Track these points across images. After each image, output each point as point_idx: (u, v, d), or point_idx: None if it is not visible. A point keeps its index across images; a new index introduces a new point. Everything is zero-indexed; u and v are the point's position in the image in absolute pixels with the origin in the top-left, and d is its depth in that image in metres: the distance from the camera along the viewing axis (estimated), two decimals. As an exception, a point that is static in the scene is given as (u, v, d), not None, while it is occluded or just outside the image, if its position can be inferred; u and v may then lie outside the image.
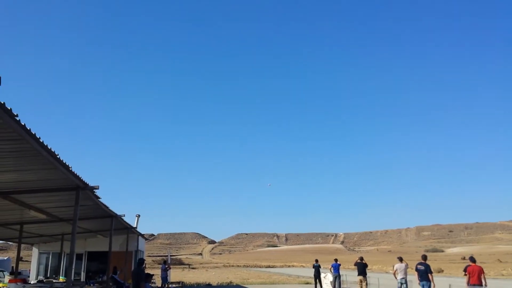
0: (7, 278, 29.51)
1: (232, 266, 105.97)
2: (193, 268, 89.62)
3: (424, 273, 15.24)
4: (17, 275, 24.84)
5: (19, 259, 21.96)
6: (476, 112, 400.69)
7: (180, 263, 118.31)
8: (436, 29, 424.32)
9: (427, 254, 18.40)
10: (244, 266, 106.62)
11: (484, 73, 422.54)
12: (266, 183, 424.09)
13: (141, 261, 13.36)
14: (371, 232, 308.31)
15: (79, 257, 28.37)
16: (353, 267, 31.00)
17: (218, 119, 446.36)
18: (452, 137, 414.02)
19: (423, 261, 15.63)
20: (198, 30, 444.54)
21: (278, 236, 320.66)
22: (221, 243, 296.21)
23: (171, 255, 74.92)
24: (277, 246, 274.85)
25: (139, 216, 33.01)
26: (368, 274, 24.25)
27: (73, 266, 10.48)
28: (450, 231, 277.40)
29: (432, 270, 15.88)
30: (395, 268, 18.68)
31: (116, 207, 16.94)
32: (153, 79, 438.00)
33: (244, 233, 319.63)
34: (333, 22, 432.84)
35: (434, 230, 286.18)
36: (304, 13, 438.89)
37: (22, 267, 39.15)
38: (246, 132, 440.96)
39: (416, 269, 15.65)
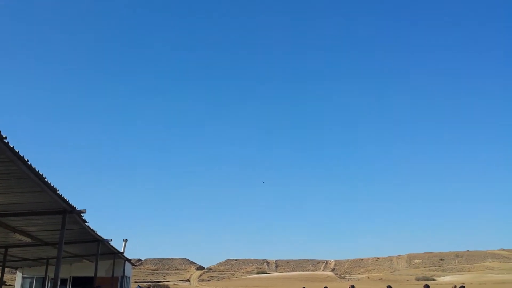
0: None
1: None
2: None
3: None
4: (-1, 300, 24.24)
5: (2, 283, 21.50)
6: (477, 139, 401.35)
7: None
8: None
9: (418, 282, 18.19)
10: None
11: None
12: (256, 207, 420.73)
13: None
14: (362, 260, 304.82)
15: (64, 282, 27.90)
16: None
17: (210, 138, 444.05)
18: (443, 164, 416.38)
19: None
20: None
21: (268, 263, 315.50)
22: (209, 269, 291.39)
23: (158, 282, 73.57)
24: (266, 273, 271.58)
25: (126, 240, 32.60)
26: (358, 302, 24.05)
27: (57, 292, 10.29)
28: (441, 259, 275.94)
29: None
30: (385, 297, 18.58)
31: (102, 231, 16.74)
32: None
33: (233, 259, 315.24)
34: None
35: (425, 258, 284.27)
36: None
37: (4, 292, 38.21)
38: (242, 154, 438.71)
39: None
